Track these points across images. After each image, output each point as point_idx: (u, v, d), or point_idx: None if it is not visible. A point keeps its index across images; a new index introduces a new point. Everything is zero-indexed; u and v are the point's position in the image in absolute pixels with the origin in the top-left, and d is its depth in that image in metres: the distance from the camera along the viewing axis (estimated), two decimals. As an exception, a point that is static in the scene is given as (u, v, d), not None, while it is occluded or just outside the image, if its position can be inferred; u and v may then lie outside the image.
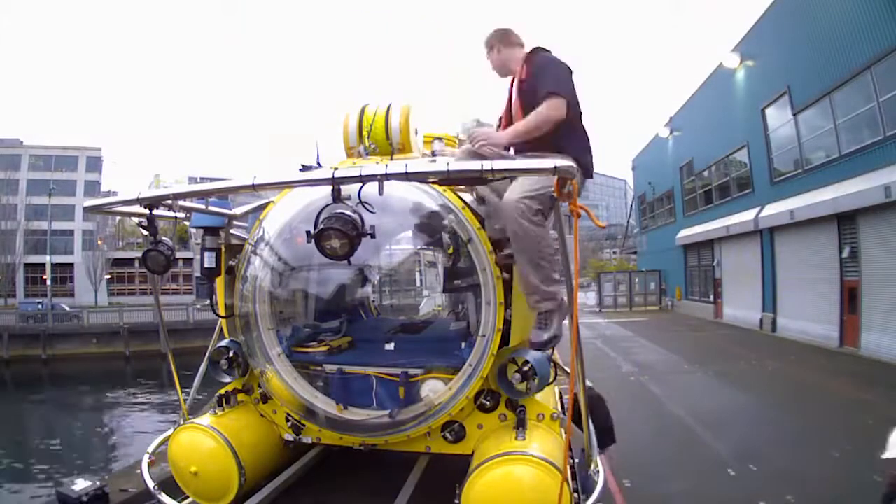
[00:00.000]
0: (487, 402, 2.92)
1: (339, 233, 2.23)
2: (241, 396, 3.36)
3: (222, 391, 3.30)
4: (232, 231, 3.42)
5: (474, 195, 3.11)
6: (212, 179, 41.81)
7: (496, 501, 2.37)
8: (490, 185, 2.89)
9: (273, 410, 3.33)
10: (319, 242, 2.27)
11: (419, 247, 3.84)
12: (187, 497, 3.08)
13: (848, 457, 6.41)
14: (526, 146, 2.74)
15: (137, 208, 2.64)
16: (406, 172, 2.11)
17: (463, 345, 3.08)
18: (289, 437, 3.30)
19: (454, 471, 2.70)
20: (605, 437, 4.37)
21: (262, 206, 3.33)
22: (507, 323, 2.79)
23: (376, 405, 3.03)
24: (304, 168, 3.19)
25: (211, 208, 3.20)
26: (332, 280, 3.81)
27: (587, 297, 35.77)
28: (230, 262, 3.26)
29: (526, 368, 2.68)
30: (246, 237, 3.36)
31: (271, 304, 3.25)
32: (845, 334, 13.97)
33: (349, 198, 2.29)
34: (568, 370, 3.36)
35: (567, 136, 2.75)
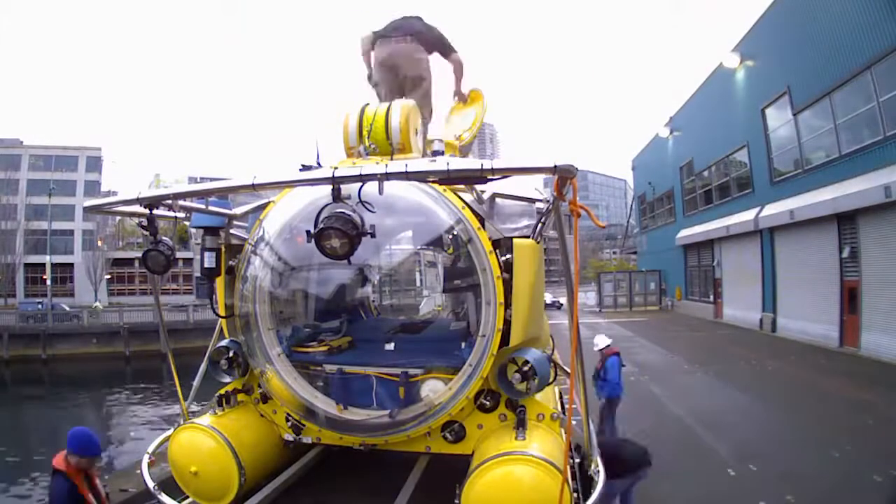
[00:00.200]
0: (487, 402, 2.91)
1: (340, 232, 2.23)
2: (241, 396, 3.36)
3: (222, 391, 3.30)
4: (232, 231, 3.42)
5: (474, 195, 3.11)
6: (212, 179, 41.73)
7: (496, 501, 2.37)
8: None
9: (273, 410, 3.33)
10: (319, 242, 2.27)
11: (419, 247, 3.84)
12: (187, 497, 3.08)
13: (848, 457, 6.41)
14: None
15: (137, 208, 2.64)
16: (406, 172, 2.11)
17: (463, 345, 3.08)
18: (289, 437, 3.29)
19: (454, 471, 2.70)
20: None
21: (262, 206, 3.33)
22: (507, 323, 2.79)
23: (376, 405, 3.03)
24: (304, 168, 3.19)
25: (211, 208, 3.19)
26: (332, 280, 3.80)
27: (587, 297, 35.77)
28: (230, 262, 3.26)
29: (526, 368, 2.68)
30: (246, 237, 3.35)
31: (271, 304, 3.25)
32: (845, 334, 13.98)
33: (349, 197, 2.29)
34: (568, 370, 3.36)
35: None
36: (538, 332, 3.24)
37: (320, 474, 3.55)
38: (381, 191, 2.18)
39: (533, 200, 3.13)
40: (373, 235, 2.31)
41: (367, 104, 3.63)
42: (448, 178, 2.57)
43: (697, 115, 25.12)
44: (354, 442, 3.14)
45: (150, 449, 3.35)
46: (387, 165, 2.22)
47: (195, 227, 3.26)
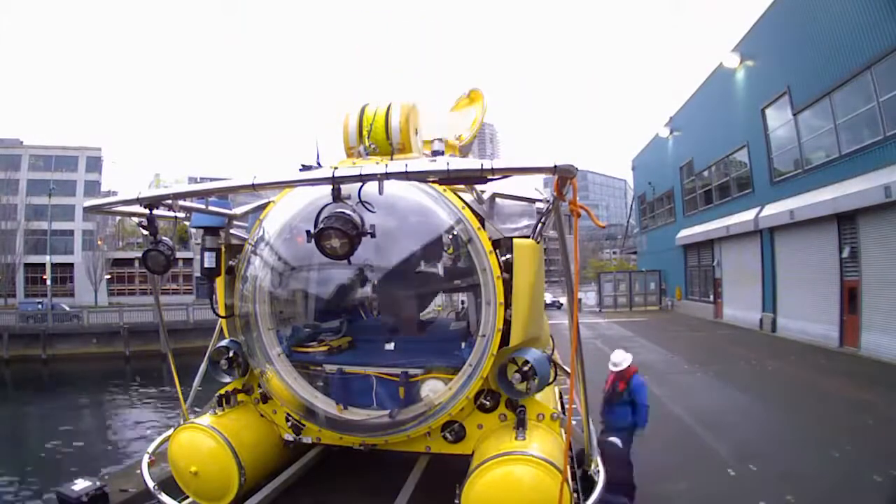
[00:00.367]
0: (487, 402, 2.92)
1: (340, 232, 2.23)
2: (241, 396, 3.36)
3: (222, 391, 3.30)
4: (232, 231, 3.42)
5: (474, 195, 3.11)
6: (212, 179, 41.70)
7: (496, 501, 2.37)
8: None
9: (273, 410, 3.33)
10: (319, 242, 2.27)
11: (419, 247, 3.83)
12: (187, 497, 3.08)
13: (848, 457, 6.41)
14: None
15: (137, 208, 2.64)
16: (406, 172, 2.11)
17: (463, 345, 3.08)
18: (289, 437, 3.29)
19: (454, 471, 2.70)
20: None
21: (262, 206, 3.33)
22: (507, 323, 2.79)
23: (376, 405, 3.03)
24: (304, 168, 3.19)
25: (211, 208, 3.20)
26: (332, 280, 3.80)
27: (587, 297, 35.75)
28: (230, 262, 3.26)
29: (526, 368, 2.68)
30: (246, 237, 3.36)
31: (271, 304, 3.25)
32: (845, 334, 13.97)
33: (349, 197, 2.29)
34: (568, 370, 3.36)
35: None
36: (538, 332, 3.24)
37: (320, 474, 3.56)
38: (381, 191, 2.18)
39: (533, 200, 3.14)
40: (373, 235, 2.31)
41: (367, 104, 3.63)
42: (448, 178, 2.57)
43: (697, 115, 25.11)
44: (354, 442, 3.15)
45: (151, 449, 3.35)
46: (387, 165, 2.22)
47: (195, 227, 3.27)
